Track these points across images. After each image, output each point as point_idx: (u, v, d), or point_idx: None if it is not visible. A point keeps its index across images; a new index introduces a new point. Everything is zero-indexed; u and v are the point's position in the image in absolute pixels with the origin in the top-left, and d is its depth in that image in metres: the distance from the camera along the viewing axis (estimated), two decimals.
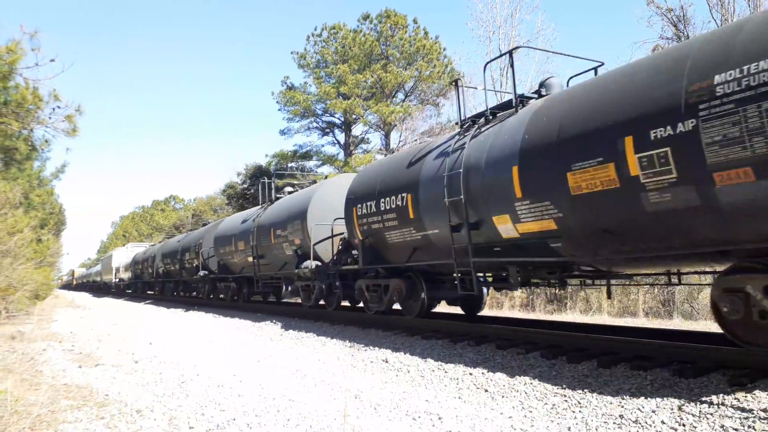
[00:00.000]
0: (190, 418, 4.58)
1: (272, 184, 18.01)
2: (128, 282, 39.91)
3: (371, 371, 6.79)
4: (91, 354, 8.66)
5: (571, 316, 13.25)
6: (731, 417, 3.98)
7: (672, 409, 4.24)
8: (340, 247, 12.09)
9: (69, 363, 7.63)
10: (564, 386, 5.19)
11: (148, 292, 34.35)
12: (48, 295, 22.22)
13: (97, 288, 58.76)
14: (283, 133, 33.82)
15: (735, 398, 4.35)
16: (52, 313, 19.16)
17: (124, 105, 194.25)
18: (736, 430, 3.77)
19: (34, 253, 14.88)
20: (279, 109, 32.71)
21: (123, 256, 43.38)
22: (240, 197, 39.31)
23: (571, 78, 7.65)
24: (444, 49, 29.00)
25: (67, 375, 6.64)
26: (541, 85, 7.56)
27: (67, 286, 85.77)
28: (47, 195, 20.54)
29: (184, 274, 23.89)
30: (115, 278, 43.54)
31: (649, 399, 4.54)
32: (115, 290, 44.79)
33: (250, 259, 15.59)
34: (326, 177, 18.84)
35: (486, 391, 5.42)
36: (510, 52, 7.92)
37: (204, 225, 24.39)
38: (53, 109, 7.63)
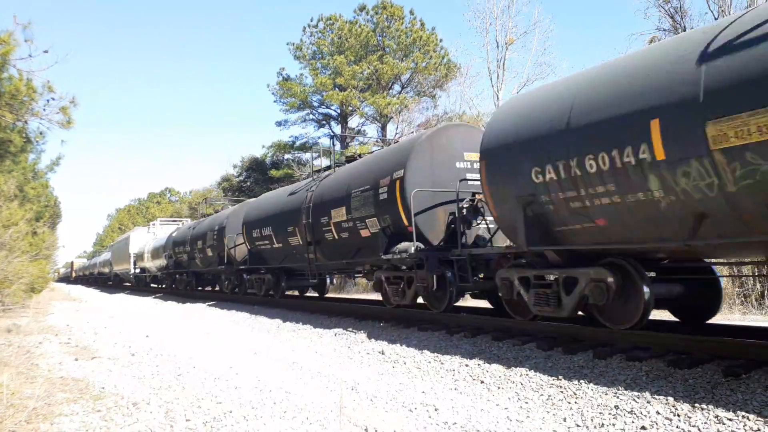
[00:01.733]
0: (186, 411, 4.58)
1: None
2: (159, 273, 27.96)
3: (368, 363, 6.80)
4: (87, 347, 8.66)
5: None
6: (726, 407, 4.00)
7: (667, 400, 4.26)
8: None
9: (65, 356, 7.62)
10: (560, 377, 5.22)
11: (200, 288, 23.01)
12: (44, 288, 22.19)
13: (105, 281, 48.22)
14: (279, 124, 33.79)
15: (730, 389, 4.38)
16: (48, 306, 19.14)
17: (118, 97, 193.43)
18: (730, 420, 3.79)
19: (30, 246, 14.84)
20: (275, 101, 32.67)
21: (147, 238, 32.02)
22: (236, 190, 39.26)
23: None
24: (440, 41, 28.97)
25: (64, 368, 6.63)
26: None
27: (65, 280, 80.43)
28: (42, 187, 20.46)
29: (318, 257, 12.13)
30: (134, 268, 32.59)
31: (644, 390, 4.57)
32: (134, 284, 34.95)
33: None
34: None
35: (482, 382, 5.44)
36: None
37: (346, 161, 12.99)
38: (47, 100, 7.57)
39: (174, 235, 24.66)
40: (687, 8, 18.10)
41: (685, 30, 17.45)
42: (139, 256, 31.53)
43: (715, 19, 16.72)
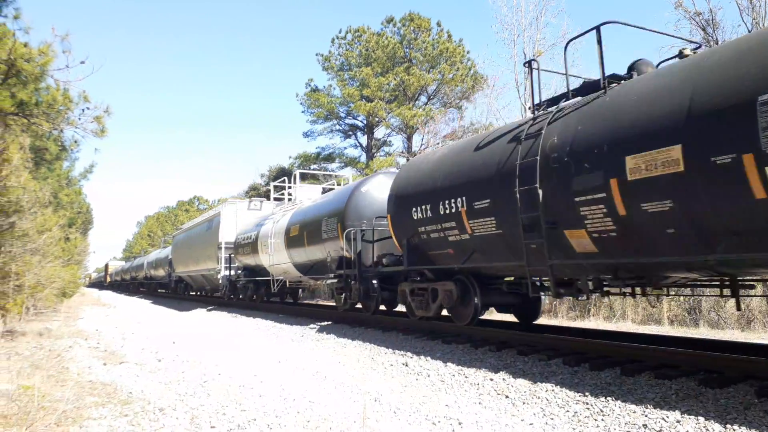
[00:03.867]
0: (211, 418, 4.63)
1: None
2: (308, 280, 15.76)
3: (391, 374, 6.78)
4: (115, 352, 8.80)
5: (594, 322, 13.08)
6: (759, 429, 3.89)
7: (697, 420, 4.16)
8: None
9: (94, 360, 7.76)
10: (586, 394, 5.13)
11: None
12: (75, 292, 22.64)
13: (154, 289, 38.06)
14: (306, 135, 34.16)
15: (763, 410, 4.26)
16: (78, 310, 19.53)
17: (149, 106, 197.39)
18: None
19: (62, 251, 15.19)
20: (303, 111, 33.05)
21: (254, 216, 20.13)
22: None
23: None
24: (468, 52, 28.98)
25: (92, 372, 6.76)
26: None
27: (98, 285, 73.57)
28: (75, 194, 20.97)
29: None
30: (228, 268, 20.19)
31: (673, 409, 4.46)
32: (224, 295, 21.07)
33: None
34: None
35: (507, 397, 5.38)
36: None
37: None
38: (83, 110, 7.76)
39: (406, 180, 9.69)
40: (719, 20, 17.80)
41: (717, 43, 17.17)
42: (243, 247, 18.34)
43: (749, 31, 16.43)
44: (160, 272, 33.63)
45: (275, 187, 20.47)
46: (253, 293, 18.73)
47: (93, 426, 4.32)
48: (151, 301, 30.61)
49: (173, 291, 31.14)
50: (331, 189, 16.08)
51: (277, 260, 15.57)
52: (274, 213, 17.54)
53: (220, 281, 20.72)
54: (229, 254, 20.01)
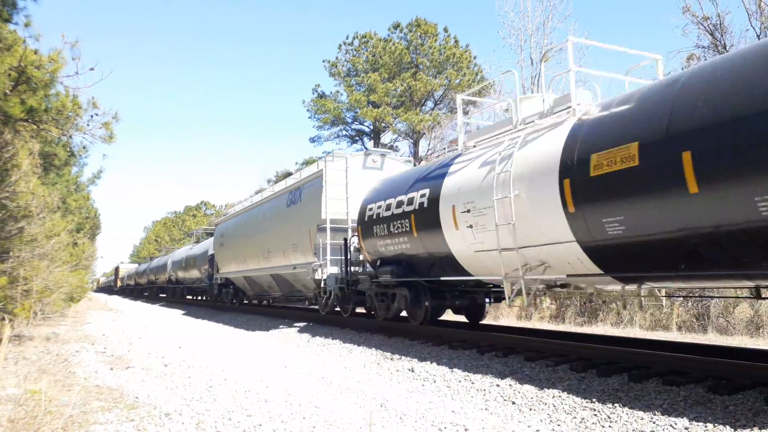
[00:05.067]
0: (217, 423, 4.62)
1: None
2: None
3: (397, 380, 6.76)
4: (122, 357, 8.82)
5: (602, 328, 12.99)
6: None
7: (706, 426, 4.12)
8: None
9: (101, 365, 7.78)
10: (593, 400, 5.10)
11: None
12: (82, 297, 22.72)
13: (179, 296, 30.16)
14: (312, 140, 34.22)
15: None
16: (85, 315, 19.61)
17: (153, 111, 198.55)
18: None
19: (70, 256, 15.27)
20: (309, 117, 33.12)
21: (380, 175, 13.65)
22: None
23: None
24: (474, 58, 29.00)
25: (99, 377, 6.77)
26: None
27: (107, 290, 69.57)
28: (84, 200, 21.10)
29: None
30: (345, 263, 12.07)
31: (682, 416, 4.43)
32: (336, 307, 12.83)
33: None
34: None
35: (513, 403, 5.35)
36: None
37: None
38: (91, 116, 7.83)
39: None
40: (727, 25, 17.71)
41: (725, 47, 17.11)
42: (385, 223, 10.09)
43: (758, 36, 16.35)
44: (193, 274, 26.02)
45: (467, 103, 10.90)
46: (405, 306, 10.45)
47: (99, 430, 4.32)
48: (182, 311, 23.55)
49: (215, 299, 23.11)
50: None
51: (526, 239, 6.92)
52: (467, 150, 8.95)
53: (324, 283, 12.65)
54: (344, 239, 12.24)
